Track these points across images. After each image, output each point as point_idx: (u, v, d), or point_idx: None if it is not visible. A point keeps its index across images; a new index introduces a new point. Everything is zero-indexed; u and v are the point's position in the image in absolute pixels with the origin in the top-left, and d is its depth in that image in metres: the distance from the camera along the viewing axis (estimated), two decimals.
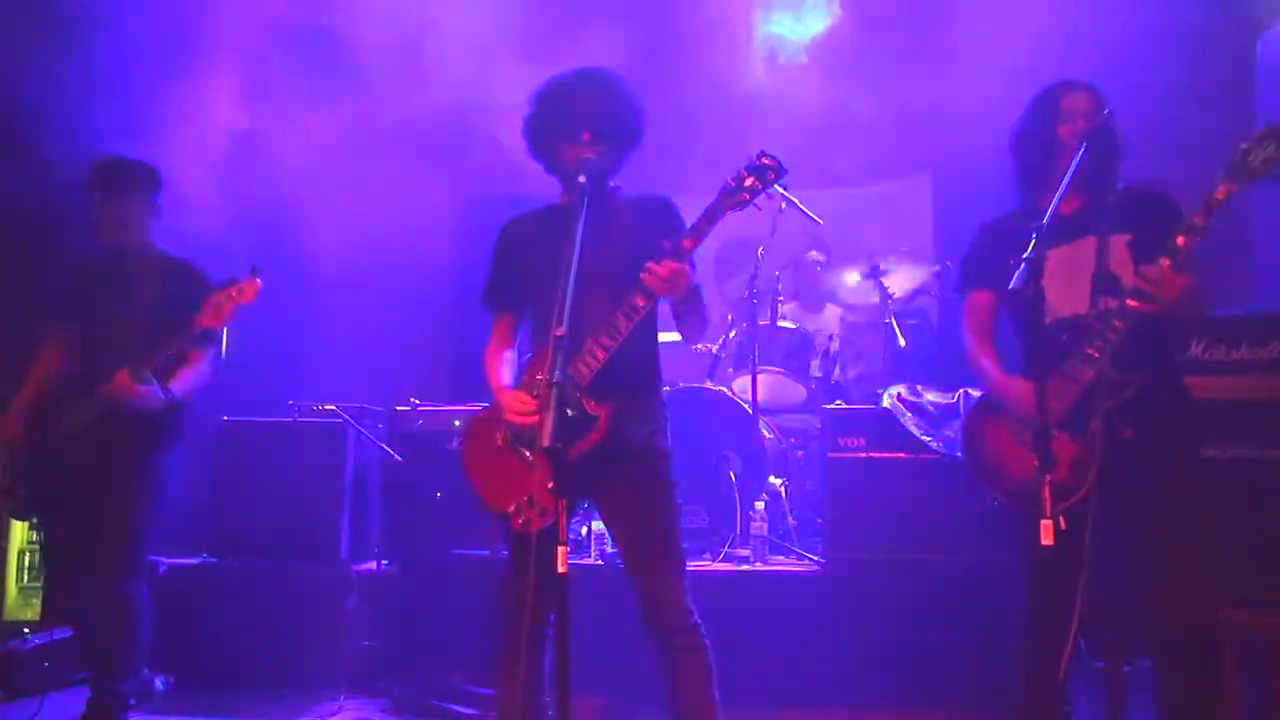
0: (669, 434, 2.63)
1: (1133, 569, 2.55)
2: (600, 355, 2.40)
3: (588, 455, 2.39)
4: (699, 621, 2.48)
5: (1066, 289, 2.51)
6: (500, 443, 2.53)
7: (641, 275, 2.38)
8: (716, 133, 5.38)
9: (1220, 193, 2.41)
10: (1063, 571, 2.29)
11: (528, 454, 2.47)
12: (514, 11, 5.16)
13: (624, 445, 2.48)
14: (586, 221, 2.35)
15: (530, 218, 2.75)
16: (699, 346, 5.16)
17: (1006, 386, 2.65)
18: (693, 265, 2.47)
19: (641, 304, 2.40)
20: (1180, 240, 2.41)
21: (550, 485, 2.26)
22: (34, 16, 4.51)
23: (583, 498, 2.73)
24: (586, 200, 2.41)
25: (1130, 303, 2.42)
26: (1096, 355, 2.46)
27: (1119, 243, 2.55)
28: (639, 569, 2.51)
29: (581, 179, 2.45)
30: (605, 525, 2.62)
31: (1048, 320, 2.53)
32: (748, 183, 2.39)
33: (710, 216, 2.41)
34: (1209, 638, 2.53)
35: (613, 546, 2.65)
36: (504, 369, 2.66)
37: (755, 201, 2.41)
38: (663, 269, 2.35)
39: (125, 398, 3.13)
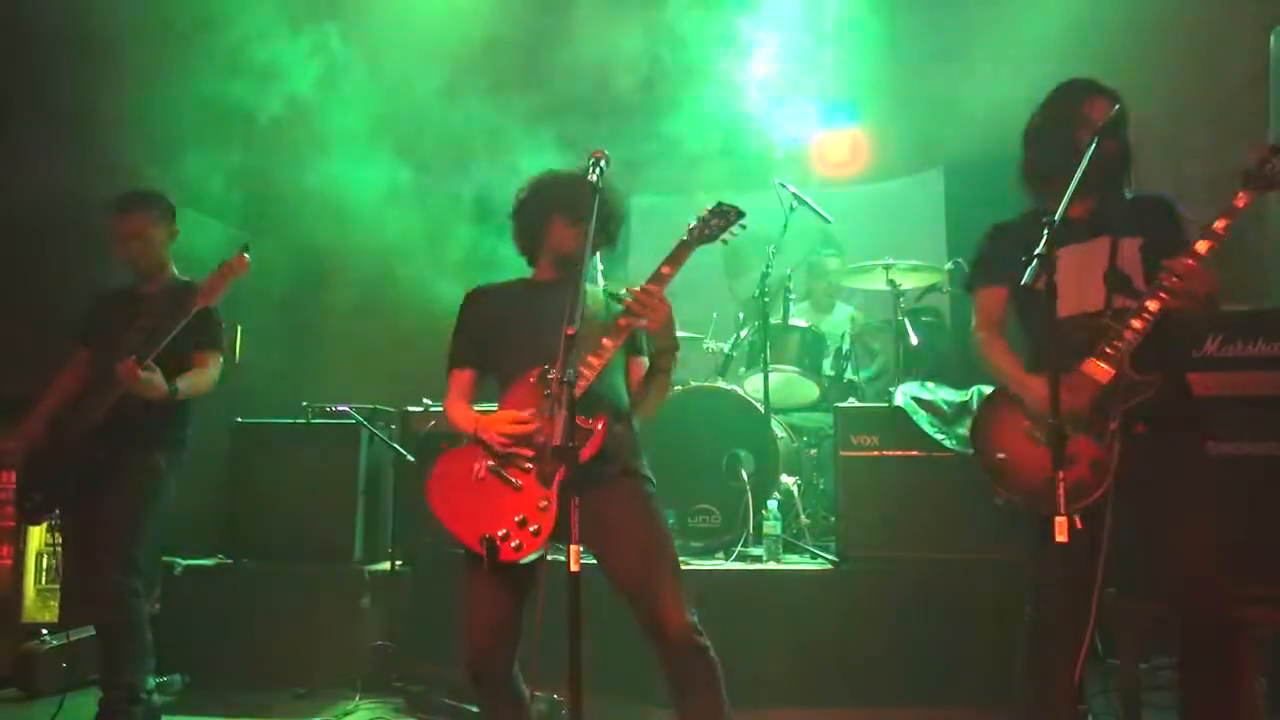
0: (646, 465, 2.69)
1: (1148, 566, 2.53)
2: (588, 375, 2.47)
3: (581, 468, 2.33)
4: (698, 625, 2.46)
5: (1077, 287, 2.52)
6: (482, 473, 2.52)
7: (624, 303, 2.50)
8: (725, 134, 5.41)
9: (1240, 201, 2.43)
10: (1077, 570, 2.27)
11: (515, 479, 2.47)
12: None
13: (608, 468, 2.51)
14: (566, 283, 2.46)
15: (496, 290, 2.84)
16: (709, 345, 5.17)
17: (1026, 382, 2.60)
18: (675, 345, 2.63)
19: (624, 324, 2.51)
20: (1204, 245, 2.41)
21: (543, 503, 2.37)
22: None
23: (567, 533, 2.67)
24: (599, 195, 2.46)
25: (1163, 293, 2.40)
26: (1115, 355, 2.45)
27: (1130, 245, 2.56)
28: (633, 583, 2.48)
29: (592, 177, 2.48)
30: (599, 556, 2.57)
31: (1060, 318, 2.51)
32: (713, 223, 2.65)
33: (684, 247, 2.62)
34: (1227, 633, 2.50)
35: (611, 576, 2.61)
36: (471, 413, 2.66)
37: (723, 237, 2.67)
38: (641, 293, 2.48)
39: (131, 381, 3.17)
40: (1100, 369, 2.46)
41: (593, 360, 2.48)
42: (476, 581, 2.50)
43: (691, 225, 2.65)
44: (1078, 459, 2.42)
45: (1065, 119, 2.65)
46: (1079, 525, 2.25)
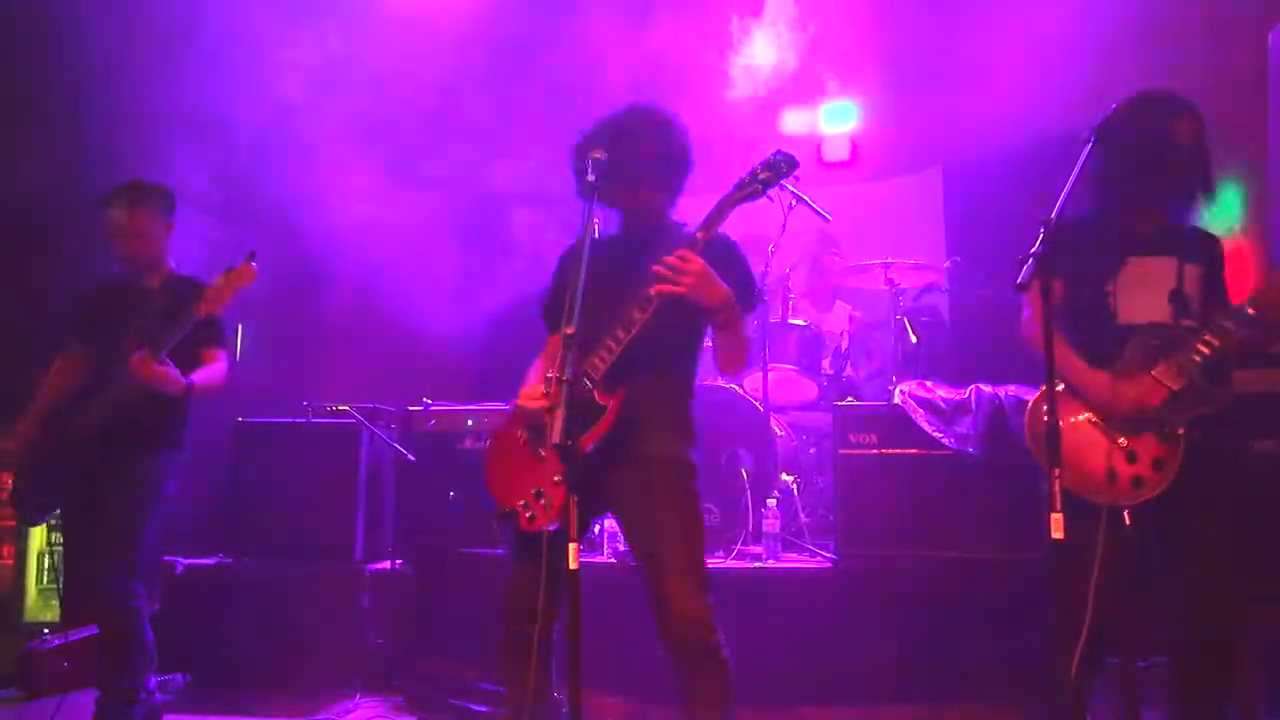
0: (694, 447, 2.56)
1: (1173, 565, 2.55)
2: (614, 348, 2.40)
3: (603, 453, 2.38)
4: (722, 640, 2.38)
5: (1141, 297, 2.60)
6: (521, 440, 2.56)
7: (655, 269, 2.35)
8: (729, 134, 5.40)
9: None
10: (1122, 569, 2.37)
11: (542, 451, 2.48)
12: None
13: (640, 447, 2.45)
14: (631, 240, 2.42)
15: (577, 250, 2.76)
16: (708, 343, 5.16)
17: (1085, 378, 2.61)
18: (756, 295, 2.54)
19: (655, 292, 2.36)
20: None
21: (556, 478, 2.35)
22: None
23: (601, 506, 2.65)
24: (595, 194, 2.42)
25: (1250, 310, 2.47)
26: (1188, 366, 2.50)
27: (1194, 272, 2.64)
28: (656, 581, 2.41)
29: (590, 177, 2.43)
30: (624, 536, 2.59)
31: (1119, 322, 2.62)
32: (762, 176, 2.41)
33: (722, 208, 2.42)
34: (1230, 635, 2.52)
35: (631, 559, 2.61)
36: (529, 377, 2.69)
37: (768, 192, 2.44)
38: (671, 258, 2.33)
39: (145, 375, 3.12)
40: (1172, 376, 2.51)
41: (620, 334, 2.39)
42: (516, 541, 2.57)
43: (742, 179, 2.40)
44: (1139, 456, 2.49)
45: (1153, 135, 2.61)
46: (1127, 522, 2.40)
